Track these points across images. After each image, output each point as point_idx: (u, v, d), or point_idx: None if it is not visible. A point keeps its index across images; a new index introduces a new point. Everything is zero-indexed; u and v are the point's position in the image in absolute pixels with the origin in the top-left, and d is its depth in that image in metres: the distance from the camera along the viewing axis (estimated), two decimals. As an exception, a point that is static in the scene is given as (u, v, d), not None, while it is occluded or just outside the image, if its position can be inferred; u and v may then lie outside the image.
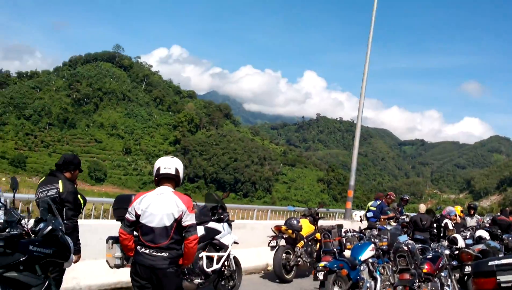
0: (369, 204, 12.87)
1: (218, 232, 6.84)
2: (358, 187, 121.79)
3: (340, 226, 8.64)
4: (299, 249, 9.07)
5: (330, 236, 7.80)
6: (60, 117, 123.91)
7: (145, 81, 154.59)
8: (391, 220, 11.52)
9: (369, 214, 11.70)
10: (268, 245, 8.73)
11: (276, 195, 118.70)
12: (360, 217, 12.36)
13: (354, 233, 7.87)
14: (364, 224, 11.68)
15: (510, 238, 11.27)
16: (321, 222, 10.57)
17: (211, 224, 6.80)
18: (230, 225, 7.12)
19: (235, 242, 7.07)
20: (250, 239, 9.26)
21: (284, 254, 8.71)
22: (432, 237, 10.92)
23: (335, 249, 7.55)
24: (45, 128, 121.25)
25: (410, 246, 6.82)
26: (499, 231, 11.82)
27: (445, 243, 8.28)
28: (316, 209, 10.44)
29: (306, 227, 9.40)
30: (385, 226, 10.17)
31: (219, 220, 6.95)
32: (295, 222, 9.02)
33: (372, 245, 7.43)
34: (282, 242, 8.91)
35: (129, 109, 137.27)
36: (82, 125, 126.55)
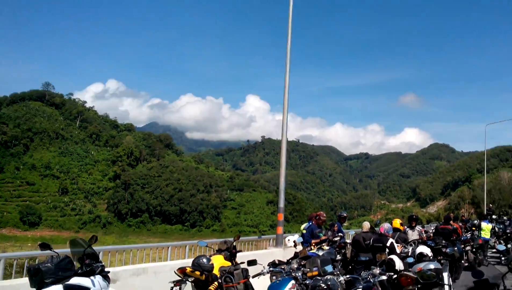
0: (302, 226, 11.85)
1: (86, 289, 5.03)
2: (308, 205, 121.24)
3: (251, 263, 7.65)
4: None
5: (233, 279, 7.00)
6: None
7: (79, 117, 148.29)
8: (323, 244, 10.37)
9: (299, 239, 10.59)
10: None
11: (225, 221, 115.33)
12: (294, 242, 10.66)
13: (272, 269, 6.74)
14: (300, 250, 9.94)
15: (451, 250, 11.43)
16: (243, 255, 9.17)
17: (75, 280, 4.93)
18: (106, 278, 5.32)
19: None
20: (153, 286, 7.90)
21: None
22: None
23: None
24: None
25: (330, 282, 5.83)
26: (443, 241, 11.66)
27: (377, 270, 6.74)
28: (233, 241, 8.63)
29: (220, 264, 7.69)
30: (316, 252, 9.44)
31: (88, 273, 5.07)
32: (205, 260, 7.18)
33: (292, 282, 6.27)
34: (188, 288, 7.27)
35: (63, 148, 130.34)
36: (11, 168, 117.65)
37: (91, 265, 5.19)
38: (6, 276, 7.97)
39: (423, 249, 9.60)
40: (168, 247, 11.48)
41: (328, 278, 5.91)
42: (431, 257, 9.09)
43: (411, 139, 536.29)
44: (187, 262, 7.80)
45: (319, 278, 5.99)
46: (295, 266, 6.69)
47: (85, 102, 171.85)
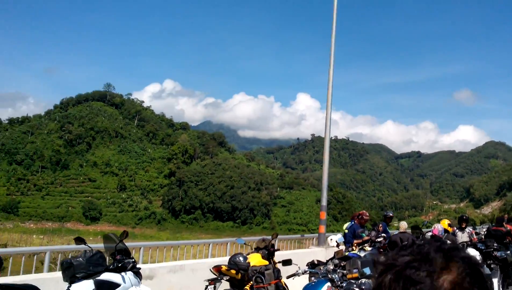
0: (345, 226, 11.35)
1: (116, 285, 5.16)
2: (358, 205, 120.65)
3: (286, 262, 7.42)
4: None
5: (264, 280, 6.64)
6: (52, 159, 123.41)
7: (137, 117, 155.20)
8: (365, 244, 9.93)
9: (340, 239, 10.02)
10: None
11: (275, 219, 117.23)
12: (337, 242, 10.07)
13: (307, 270, 6.35)
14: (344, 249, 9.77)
15: (502, 254, 10.12)
16: (283, 254, 9.13)
17: (105, 276, 5.05)
18: (137, 275, 5.40)
19: None
20: (190, 284, 7.81)
21: None
22: None
23: None
24: (38, 171, 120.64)
25: (364, 286, 5.45)
26: (495, 244, 10.60)
27: None
28: (271, 239, 8.40)
29: (258, 263, 7.57)
30: (357, 253, 9.00)
31: (120, 269, 5.20)
32: (241, 259, 7.16)
33: (328, 285, 5.88)
34: (224, 286, 7.17)
35: (122, 146, 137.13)
36: (75, 165, 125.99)
37: (122, 261, 5.23)
38: (51, 269, 8.26)
39: (471, 252, 8.95)
40: (209, 244, 11.31)
41: (363, 282, 5.59)
42: (480, 261, 9.11)
43: (465, 137, 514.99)
44: (227, 260, 7.59)
45: (353, 281, 5.71)
46: (331, 268, 6.25)
47: (143, 101, 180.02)
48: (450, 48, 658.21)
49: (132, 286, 5.23)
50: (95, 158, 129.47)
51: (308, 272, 6.33)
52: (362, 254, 8.77)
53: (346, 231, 10.85)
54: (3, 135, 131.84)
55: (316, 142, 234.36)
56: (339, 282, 5.95)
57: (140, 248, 9.45)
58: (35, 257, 8.33)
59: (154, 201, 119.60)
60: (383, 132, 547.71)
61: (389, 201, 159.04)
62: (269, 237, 8.37)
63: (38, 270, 7.92)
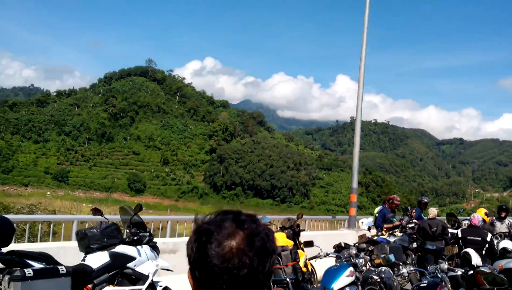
0: (376, 209, 11.22)
1: (131, 258, 4.98)
2: (397, 189, 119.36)
3: (308, 244, 7.36)
4: None
5: (281, 261, 6.34)
6: (98, 131, 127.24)
7: (178, 93, 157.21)
8: (395, 230, 9.64)
9: (369, 223, 9.90)
10: None
11: (314, 199, 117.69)
12: (368, 226, 10.03)
13: (329, 253, 6.13)
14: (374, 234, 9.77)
15: None
16: (311, 235, 8.93)
17: (120, 248, 4.91)
18: (154, 248, 5.23)
19: (166, 269, 5.41)
20: None
21: None
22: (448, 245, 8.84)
23: (287, 279, 6.15)
24: (85, 143, 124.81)
25: (384, 275, 5.17)
26: None
27: (445, 264, 5.98)
28: (296, 219, 8.19)
29: (282, 243, 7.24)
30: (387, 238, 8.61)
31: (136, 242, 5.02)
32: None
33: (350, 269, 5.60)
34: None
35: (164, 121, 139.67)
36: (119, 138, 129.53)
37: (137, 234, 5.05)
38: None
39: (507, 244, 8.90)
40: None
41: (383, 270, 5.27)
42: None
43: (510, 125, 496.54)
44: None
45: (372, 269, 5.48)
46: (354, 252, 5.96)
47: (184, 78, 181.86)
48: (497, 33, 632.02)
49: (148, 260, 5.03)
50: (138, 132, 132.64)
51: (330, 255, 6.13)
52: (391, 239, 8.47)
53: (377, 215, 10.69)
54: (52, 107, 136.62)
55: (355, 124, 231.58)
56: (363, 268, 5.77)
57: (167, 222, 9.26)
58: (62, 225, 8.32)
59: (196, 176, 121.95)
60: (424, 117, 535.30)
61: (429, 187, 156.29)
62: (294, 217, 8.20)
63: (67, 239, 7.85)
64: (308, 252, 7.59)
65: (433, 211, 9.92)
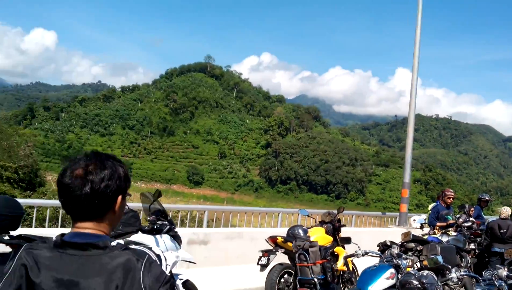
0: (430, 206, 10.23)
1: (148, 248, 3.47)
2: (459, 187, 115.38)
3: (345, 240, 7.02)
4: None
5: (308, 258, 5.89)
6: (159, 126, 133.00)
7: (235, 88, 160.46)
8: (450, 228, 8.69)
9: (420, 220, 9.09)
10: (258, 263, 6.25)
11: (370, 196, 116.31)
12: (421, 224, 9.29)
13: (368, 251, 5.36)
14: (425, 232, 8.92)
15: None
16: (355, 231, 8.57)
17: (137, 237, 4.53)
18: (175, 238, 4.79)
19: (188, 262, 4.95)
20: (248, 252, 7.36)
21: (282, 276, 6.29)
22: None
23: (315, 279, 5.75)
24: (147, 136, 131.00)
25: (425, 280, 4.40)
26: None
27: (504, 271, 5.17)
28: (336, 213, 7.56)
29: (320, 238, 6.80)
30: (439, 237, 7.85)
31: (156, 231, 4.59)
32: (301, 231, 6.46)
33: (391, 271, 4.97)
34: (280, 259, 6.48)
35: (222, 116, 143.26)
36: (180, 132, 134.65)
37: (155, 222, 4.66)
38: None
39: None
40: (278, 213, 10.41)
41: (424, 274, 4.59)
42: None
43: None
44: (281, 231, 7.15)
45: (412, 272, 4.71)
46: (396, 252, 5.29)
47: (241, 74, 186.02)
48: None
49: (167, 250, 4.55)
50: (197, 126, 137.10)
51: (370, 254, 5.37)
52: (444, 239, 7.71)
53: (430, 211, 9.81)
54: (117, 102, 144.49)
55: (415, 120, 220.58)
56: (407, 270, 4.99)
57: (204, 211, 9.11)
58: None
59: (252, 169, 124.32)
60: (490, 112, 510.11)
61: (493, 185, 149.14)
62: (335, 211, 7.61)
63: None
64: (348, 249, 7.05)
65: (505, 211, 8.93)
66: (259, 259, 6.22)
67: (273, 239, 6.37)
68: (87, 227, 1.42)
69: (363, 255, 5.34)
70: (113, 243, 1.43)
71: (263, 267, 6.18)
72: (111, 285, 1.32)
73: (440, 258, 5.30)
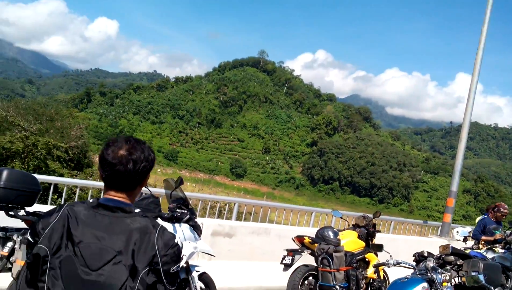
0: (477, 219, 9.52)
1: None
2: (507, 199, 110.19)
3: (377, 247, 6.54)
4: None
5: (332, 263, 5.64)
6: (208, 117, 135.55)
7: (286, 84, 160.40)
8: (497, 244, 7.82)
9: (463, 233, 8.20)
10: (281, 262, 5.97)
11: (415, 203, 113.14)
12: (465, 236, 8.48)
13: (400, 262, 4.94)
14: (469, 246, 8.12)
15: None
16: (390, 238, 8.08)
17: None
18: (195, 228, 4.56)
19: (207, 253, 4.72)
20: (274, 249, 7.16)
21: (306, 278, 5.96)
22: None
23: (337, 286, 5.52)
24: (195, 127, 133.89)
25: None
26: None
27: (431, 262, 5.07)
28: (372, 217, 7.15)
29: (351, 242, 6.47)
30: (483, 253, 7.23)
31: (176, 219, 4.39)
32: (330, 233, 6.10)
33: (423, 285, 4.59)
34: (306, 260, 6.17)
35: (270, 111, 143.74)
36: (227, 125, 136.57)
37: (175, 210, 4.45)
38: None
39: None
40: (311, 213, 10.10)
41: None
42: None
43: None
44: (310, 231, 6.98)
45: (419, 275, 4.59)
46: (431, 265, 4.84)
47: (293, 70, 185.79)
48: None
49: (185, 240, 4.35)
50: (244, 120, 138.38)
51: (402, 264, 4.94)
52: (489, 255, 7.07)
53: (476, 224, 9.10)
54: (170, 92, 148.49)
55: (472, 128, 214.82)
56: (443, 285, 4.66)
57: (234, 204, 9.01)
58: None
59: (294, 167, 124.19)
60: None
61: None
62: (371, 215, 7.19)
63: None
64: (381, 257, 6.70)
65: None
66: (283, 258, 5.93)
67: (300, 238, 6.11)
68: (119, 196, 1.84)
69: (394, 265, 4.91)
70: (136, 210, 1.86)
71: (287, 266, 5.89)
72: (131, 242, 1.71)
73: (481, 277, 4.84)
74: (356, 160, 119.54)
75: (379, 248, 6.41)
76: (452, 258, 5.49)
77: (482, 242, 7.91)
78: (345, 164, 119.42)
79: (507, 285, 6.52)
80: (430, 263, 4.84)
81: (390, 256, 5.29)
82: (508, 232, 8.17)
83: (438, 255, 5.63)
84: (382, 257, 6.58)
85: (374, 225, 7.00)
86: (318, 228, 6.49)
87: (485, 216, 9.07)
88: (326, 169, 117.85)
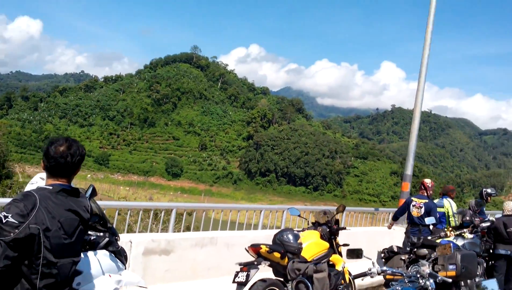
0: (436, 201, 8.60)
1: (76, 272, 2.74)
2: (434, 179, 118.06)
3: (354, 254, 4.63)
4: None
5: (311, 288, 4.88)
6: (140, 116, 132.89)
7: (220, 80, 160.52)
8: (464, 229, 7.22)
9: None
10: (233, 281, 4.74)
11: (347, 188, 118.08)
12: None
13: (386, 269, 4.02)
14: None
15: None
16: (349, 234, 6.86)
17: None
18: (118, 254, 3.22)
19: (138, 286, 3.36)
20: (222, 263, 6.29)
21: None
22: None
23: None
24: (127, 127, 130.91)
25: None
26: None
27: (427, 268, 4.13)
28: (335, 213, 6.14)
29: (314, 245, 5.47)
30: (452, 239, 6.52)
31: (89, 246, 3.05)
32: (291, 237, 5.12)
33: None
34: (263, 274, 5.04)
35: (205, 107, 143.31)
36: (161, 123, 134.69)
37: (89, 234, 3.09)
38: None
39: None
40: (260, 211, 8.55)
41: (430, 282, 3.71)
42: None
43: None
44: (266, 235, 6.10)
45: (408, 284, 3.78)
46: (427, 271, 3.89)
47: (227, 65, 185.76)
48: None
49: (102, 274, 2.98)
50: (179, 118, 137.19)
51: (388, 272, 3.99)
52: (459, 242, 6.46)
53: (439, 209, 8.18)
54: (98, 92, 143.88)
55: (396, 113, 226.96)
56: None
57: (172, 210, 7.17)
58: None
59: (232, 162, 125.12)
60: (469, 106, 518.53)
61: (467, 178, 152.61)
62: (333, 208, 6.33)
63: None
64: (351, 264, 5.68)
65: (509, 206, 7.60)
66: (236, 275, 4.70)
67: (255, 248, 4.91)
68: (64, 181, 2.54)
69: (379, 274, 3.93)
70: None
71: (241, 285, 4.67)
72: (85, 214, 2.59)
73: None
74: (291, 151, 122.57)
75: (357, 254, 4.62)
76: (425, 251, 5.05)
77: (449, 229, 7.30)
78: (280, 155, 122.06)
79: (478, 272, 6.01)
80: (426, 268, 3.94)
81: (372, 263, 4.10)
82: (475, 213, 8.00)
83: (410, 249, 5.31)
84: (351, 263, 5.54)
85: (337, 222, 6.02)
86: (271, 230, 5.83)
87: (443, 199, 8.44)
88: (262, 162, 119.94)
